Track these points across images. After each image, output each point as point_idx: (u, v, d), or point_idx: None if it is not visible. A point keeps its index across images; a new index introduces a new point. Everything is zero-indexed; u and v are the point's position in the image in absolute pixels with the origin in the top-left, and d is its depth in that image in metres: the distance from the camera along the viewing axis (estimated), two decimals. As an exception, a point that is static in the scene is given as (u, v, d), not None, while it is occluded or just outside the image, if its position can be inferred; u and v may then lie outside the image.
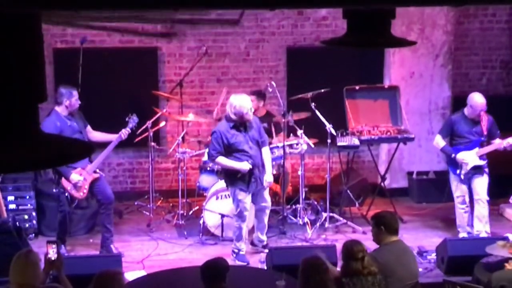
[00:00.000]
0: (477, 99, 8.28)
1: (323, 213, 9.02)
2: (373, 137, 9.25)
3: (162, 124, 9.62)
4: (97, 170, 8.17)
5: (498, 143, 8.33)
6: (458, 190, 8.53)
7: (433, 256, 7.99)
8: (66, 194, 8.00)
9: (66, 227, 8.22)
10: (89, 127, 8.25)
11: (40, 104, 2.74)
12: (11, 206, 8.67)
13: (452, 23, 10.03)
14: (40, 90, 2.70)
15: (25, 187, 8.81)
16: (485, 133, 8.36)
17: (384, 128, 9.33)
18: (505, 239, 7.03)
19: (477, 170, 8.40)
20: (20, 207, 8.73)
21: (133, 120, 8.34)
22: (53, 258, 5.51)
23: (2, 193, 8.51)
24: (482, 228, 8.45)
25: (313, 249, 7.66)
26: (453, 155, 8.40)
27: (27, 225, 8.64)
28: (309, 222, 8.88)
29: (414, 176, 10.11)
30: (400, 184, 10.30)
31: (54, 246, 5.53)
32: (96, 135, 8.26)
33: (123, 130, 8.23)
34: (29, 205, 8.75)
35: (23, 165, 2.67)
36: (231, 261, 7.89)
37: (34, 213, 8.74)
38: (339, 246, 5.96)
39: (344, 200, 9.34)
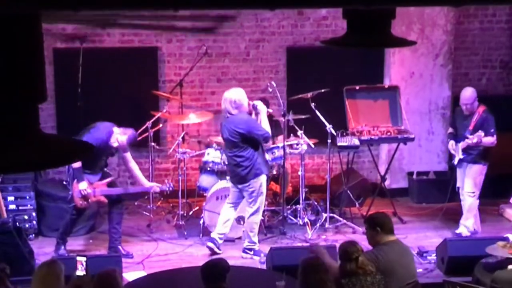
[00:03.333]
0: (462, 93, 8.48)
1: (323, 213, 9.01)
2: (373, 137, 9.25)
3: (161, 125, 9.62)
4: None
5: (468, 139, 8.35)
6: (457, 179, 8.71)
7: (433, 256, 7.98)
8: (70, 192, 8.01)
9: (69, 229, 8.22)
10: (128, 155, 8.26)
11: (40, 104, 2.74)
12: (11, 206, 8.66)
13: (452, 23, 10.03)
14: (40, 90, 2.70)
15: (25, 187, 8.81)
16: (470, 128, 8.40)
17: (384, 128, 9.33)
18: (505, 239, 7.03)
19: (466, 163, 8.47)
20: (20, 208, 8.72)
21: (169, 185, 8.45)
22: (80, 274, 5.41)
23: (2, 193, 8.51)
24: (463, 221, 8.56)
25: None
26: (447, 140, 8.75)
27: (27, 225, 8.63)
28: (309, 223, 8.87)
29: (414, 176, 10.10)
30: (400, 184, 10.29)
31: (83, 261, 5.43)
32: (131, 166, 8.33)
33: (155, 186, 8.41)
34: (29, 205, 8.74)
35: (23, 165, 2.67)
36: (246, 259, 7.99)
37: (34, 214, 8.73)
38: (339, 246, 5.95)
39: (344, 200, 9.33)
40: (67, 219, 8.16)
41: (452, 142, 8.59)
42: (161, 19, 9.85)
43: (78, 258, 5.44)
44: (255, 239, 8.15)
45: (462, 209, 8.68)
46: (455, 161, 8.57)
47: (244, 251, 8.17)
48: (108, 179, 8.13)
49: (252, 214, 8.10)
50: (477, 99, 8.44)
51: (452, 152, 8.60)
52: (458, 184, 8.72)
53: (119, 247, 8.18)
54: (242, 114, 7.94)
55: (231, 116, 7.94)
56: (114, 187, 8.28)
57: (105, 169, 8.25)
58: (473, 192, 8.47)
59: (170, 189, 8.52)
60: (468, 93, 8.40)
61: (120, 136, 7.94)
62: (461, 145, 8.42)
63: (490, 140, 8.35)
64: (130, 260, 8.05)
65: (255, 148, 7.96)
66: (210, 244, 8.12)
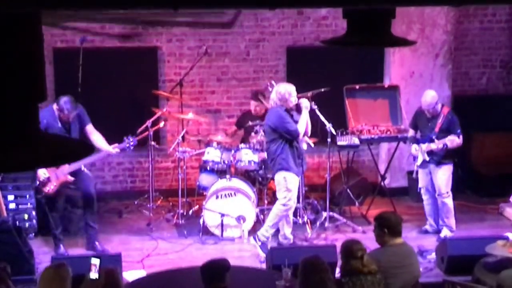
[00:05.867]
0: (423, 97, 8.50)
1: (323, 212, 9.02)
2: (373, 136, 9.25)
3: (162, 124, 9.61)
4: (85, 169, 8.22)
5: (434, 144, 8.38)
6: (419, 181, 8.78)
7: (433, 255, 7.99)
8: (37, 183, 8.05)
9: (56, 223, 8.19)
10: (90, 127, 8.16)
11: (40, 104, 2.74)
12: (11, 205, 8.66)
13: (452, 22, 10.03)
14: (40, 90, 2.70)
15: (25, 187, 8.80)
16: (436, 130, 8.43)
17: (384, 127, 9.33)
18: (505, 238, 7.03)
19: (433, 164, 8.51)
20: (20, 207, 8.72)
21: (128, 141, 8.23)
22: (94, 277, 5.37)
23: (2, 192, 8.51)
24: (442, 223, 8.61)
25: (313, 248, 7.70)
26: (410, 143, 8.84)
27: (27, 224, 8.63)
28: (309, 222, 8.88)
29: (414, 175, 10.07)
30: (400, 184, 10.29)
31: (97, 264, 5.38)
32: (95, 139, 8.14)
33: (114, 148, 8.19)
34: (29, 204, 8.74)
35: (23, 165, 2.67)
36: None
37: (34, 213, 8.73)
38: (339, 245, 5.95)
39: (344, 199, 9.34)
40: (50, 215, 8.19)
41: (415, 146, 8.64)
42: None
43: (93, 261, 5.38)
44: (270, 231, 8.16)
45: (425, 209, 8.81)
46: (418, 163, 8.61)
47: (254, 237, 8.20)
48: None
49: (279, 203, 8.15)
50: (439, 101, 8.49)
51: (414, 153, 8.66)
52: (420, 185, 8.79)
53: (96, 243, 8.22)
54: (280, 108, 8.01)
55: (272, 107, 8.11)
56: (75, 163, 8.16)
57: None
58: (447, 193, 8.53)
59: (131, 144, 8.23)
60: (428, 98, 8.41)
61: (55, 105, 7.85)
62: (425, 147, 8.47)
63: (456, 141, 8.38)
64: (130, 259, 8.05)
65: (287, 144, 8.02)
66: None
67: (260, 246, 8.09)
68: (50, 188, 8.03)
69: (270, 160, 8.20)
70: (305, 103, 8.15)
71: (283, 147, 8.02)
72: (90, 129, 8.16)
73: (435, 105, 8.41)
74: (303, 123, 8.11)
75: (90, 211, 8.22)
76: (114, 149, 8.18)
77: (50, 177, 7.99)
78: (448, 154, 8.48)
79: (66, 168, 8.01)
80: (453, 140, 8.31)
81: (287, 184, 8.05)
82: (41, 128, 7.59)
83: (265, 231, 8.18)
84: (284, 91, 8.02)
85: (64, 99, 7.87)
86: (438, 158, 8.47)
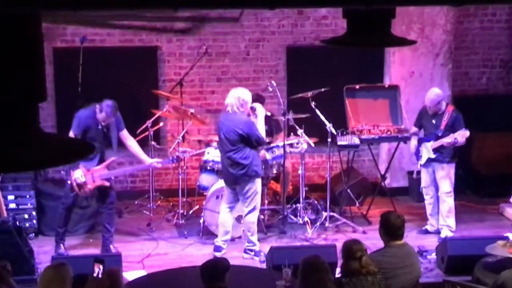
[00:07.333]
0: (427, 94, 8.52)
1: (323, 212, 9.02)
2: (373, 136, 9.25)
3: (161, 124, 9.63)
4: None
5: (446, 138, 8.38)
6: (422, 180, 8.79)
7: (433, 255, 7.99)
8: (69, 181, 7.99)
9: (64, 221, 8.16)
10: (125, 132, 8.17)
11: (40, 104, 2.74)
12: (11, 205, 8.67)
13: (452, 22, 10.03)
14: (40, 90, 2.71)
15: (25, 187, 8.81)
16: (442, 127, 8.45)
17: (384, 127, 9.33)
18: (505, 238, 7.03)
19: (438, 163, 8.52)
20: (20, 207, 8.72)
21: (171, 159, 8.49)
22: (96, 278, 5.34)
23: (2, 192, 8.51)
24: (443, 222, 8.60)
25: (313, 248, 7.70)
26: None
27: (27, 224, 8.64)
28: (309, 222, 8.88)
29: (415, 175, 10.07)
30: (400, 183, 10.30)
31: (101, 266, 5.36)
32: (130, 144, 8.23)
33: (155, 162, 8.34)
34: (29, 204, 8.75)
35: (23, 165, 2.67)
36: (248, 260, 7.99)
37: (34, 213, 8.74)
38: (339, 245, 5.95)
39: (344, 199, 9.34)
40: (60, 212, 8.17)
41: (414, 142, 8.70)
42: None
43: (96, 263, 5.37)
44: (254, 239, 8.13)
45: (426, 209, 8.80)
46: (422, 161, 8.63)
47: (245, 252, 8.17)
48: (107, 161, 8.09)
49: (248, 213, 8.07)
50: (444, 100, 8.52)
51: (413, 150, 8.73)
52: (423, 185, 8.79)
53: (110, 246, 8.17)
54: (243, 114, 7.93)
55: (232, 114, 7.90)
56: (114, 170, 8.31)
57: (103, 154, 8.16)
58: (450, 192, 8.55)
59: (174, 162, 8.52)
60: (432, 95, 8.43)
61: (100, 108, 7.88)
62: (432, 144, 8.46)
63: (466, 134, 8.36)
64: (130, 259, 8.05)
65: (252, 149, 7.95)
66: (218, 254, 8.08)
67: (255, 255, 8.06)
68: (85, 191, 8.01)
69: (240, 168, 7.90)
70: (260, 109, 8.10)
71: (253, 154, 7.94)
72: (125, 134, 8.21)
73: (437, 103, 8.41)
74: (263, 129, 8.07)
75: (109, 212, 8.20)
76: (158, 164, 8.38)
77: (87, 180, 7.95)
78: (453, 153, 8.48)
79: (105, 173, 8.04)
80: (464, 134, 8.30)
81: (258, 189, 8.03)
82: (81, 128, 7.62)
83: (250, 243, 8.14)
84: (245, 96, 7.92)
85: (108, 102, 7.87)
86: (444, 157, 8.47)
